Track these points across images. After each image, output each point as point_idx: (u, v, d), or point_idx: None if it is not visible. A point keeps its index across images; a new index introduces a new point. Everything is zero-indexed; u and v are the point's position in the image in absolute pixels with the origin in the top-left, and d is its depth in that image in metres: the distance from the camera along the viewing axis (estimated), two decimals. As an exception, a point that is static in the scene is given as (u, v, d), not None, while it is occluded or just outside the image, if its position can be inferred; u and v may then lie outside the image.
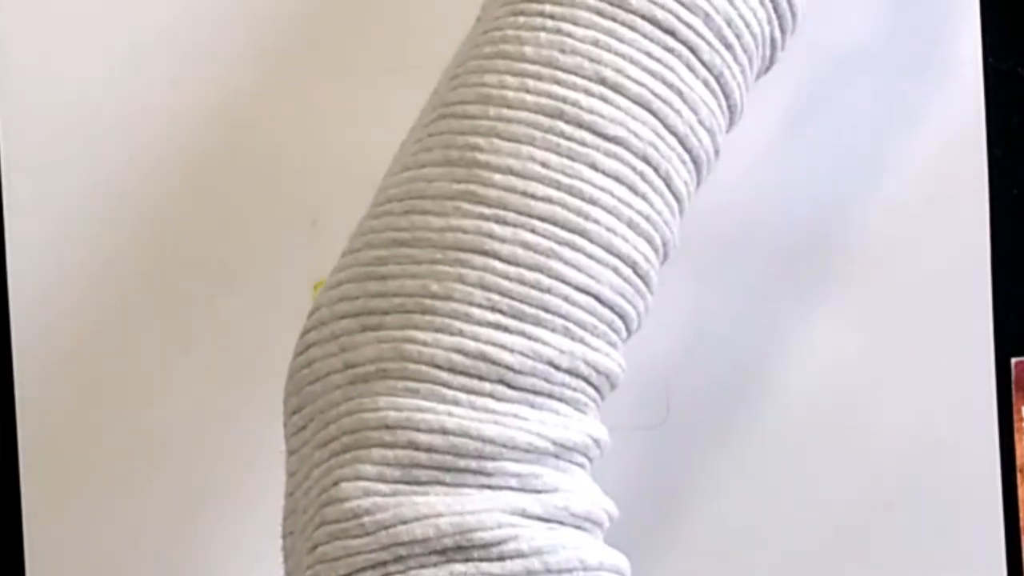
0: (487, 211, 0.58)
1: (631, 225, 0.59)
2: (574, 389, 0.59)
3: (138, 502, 0.83)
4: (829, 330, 0.83)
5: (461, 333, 0.57)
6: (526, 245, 0.58)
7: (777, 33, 0.63)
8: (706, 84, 0.60)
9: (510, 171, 0.58)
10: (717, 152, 0.62)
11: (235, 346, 0.82)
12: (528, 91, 0.58)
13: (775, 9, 0.62)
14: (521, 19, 0.60)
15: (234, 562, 0.83)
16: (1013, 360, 0.83)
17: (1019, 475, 0.84)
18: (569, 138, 0.58)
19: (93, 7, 0.81)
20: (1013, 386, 0.83)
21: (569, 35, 0.59)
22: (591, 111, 0.58)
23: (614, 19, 0.59)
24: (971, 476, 0.84)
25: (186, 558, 0.84)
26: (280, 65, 0.81)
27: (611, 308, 0.59)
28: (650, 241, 0.60)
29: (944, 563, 0.84)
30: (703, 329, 0.83)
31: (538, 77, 0.59)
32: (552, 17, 0.59)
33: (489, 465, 0.56)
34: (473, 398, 0.57)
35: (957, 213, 0.83)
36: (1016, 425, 0.83)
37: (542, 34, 0.59)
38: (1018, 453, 0.84)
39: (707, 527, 0.84)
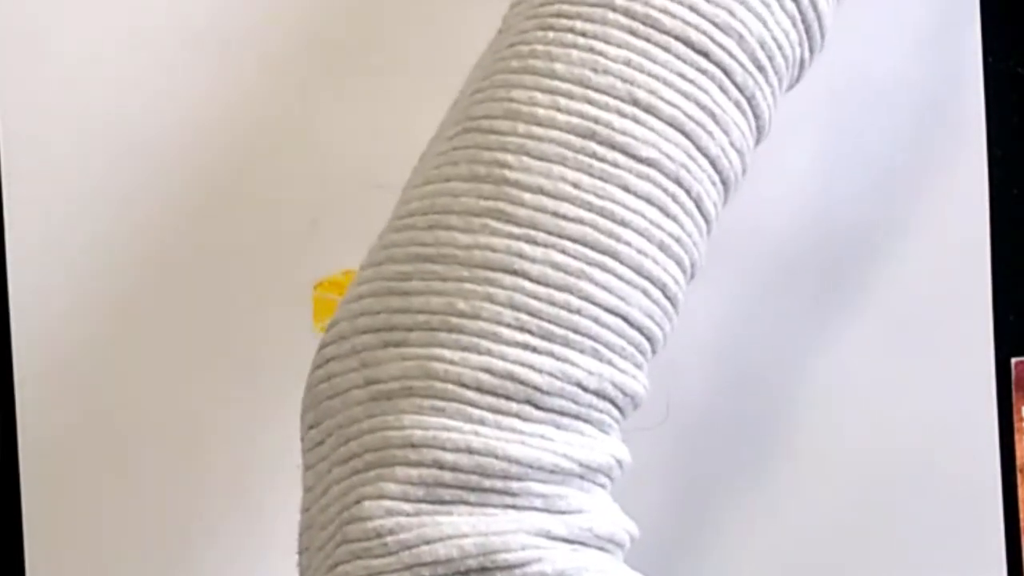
0: (516, 230, 0.57)
1: (662, 247, 0.59)
2: (600, 410, 0.58)
3: (138, 502, 0.83)
4: (829, 330, 0.83)
5: (489, 352, 0.56)
6: (556, 265, 0.57)
7: (807, 54, 0.63)
8: (738, 106, 0.60)
9: (541, 190, 0.57)
10: (745, 172, 0.62)
11: (235, 346, 0.82)
12: (559, 109, 0.58)
13: (807, 31, 0.62)
14: (551, 34, 0.59)
15: (234, 562, 0.83)
16: (1013, 360, 0.83)
17: (1019, 475, 0.84)
18: (601, 159, 0.58)
19: (94, 7, 0.81)
20: (1013, 386, 0.83)
21: (601, 54, 0.58)
22: (624, 132, 0.58)
23: (647, 39, 0.59)
24: (971, 476, 0.84)
25: (186, 558, 0.84)
26: (280, 65, 0.81)
27: (639, 330, 0.59)
28: (679, 263, 0.60)
29: (944, 563, 0.84)
30: (703, 329, 0.83)
31: (570, 96, 0.58)
32: (584, 35, 0.59)
33: (514, 485, 0.56)
34: (500, 418, 0.56)
35: (957, 213, 0.83)
36: (1016, 425, 0.83)
37: (573, 52, 0.58)
38: (1018, 453, 0.84)
39: (707, 527, 0.84)
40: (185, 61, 0.81)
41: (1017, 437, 0.84)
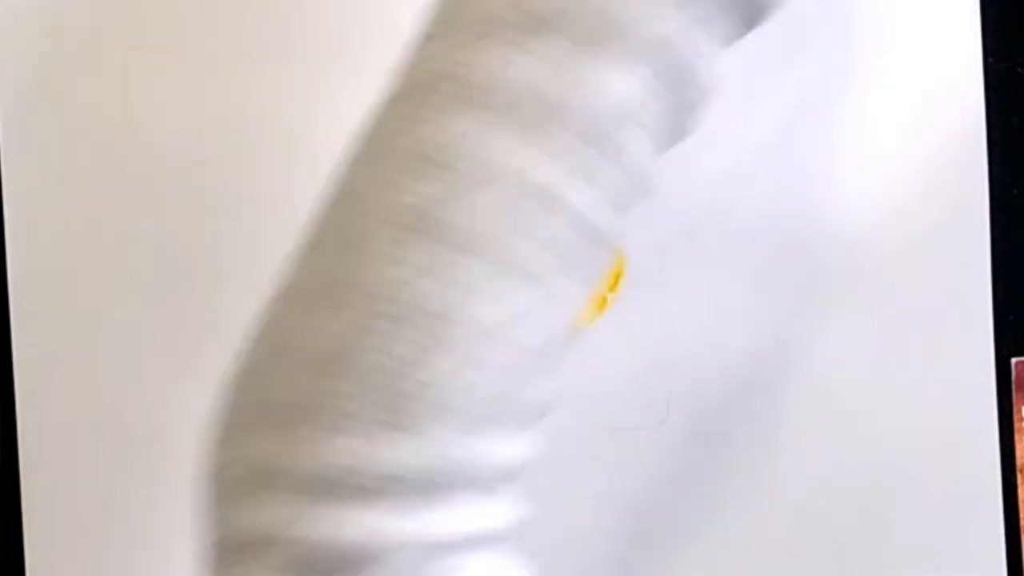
0: (368, 307, 0.54)
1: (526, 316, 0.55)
2: (469, 480, 0.54)
3: (138, 502, 0.83)
4: (829, 330, 0.83)
5: (350, 434, 0.54)
6: (409, 341, 0.54)
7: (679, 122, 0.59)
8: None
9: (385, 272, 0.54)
10: (650, 192, 0.58)
11: (235, 346, 0.82)
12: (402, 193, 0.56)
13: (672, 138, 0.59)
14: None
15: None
16: (1013, 360, 0.83)
17: (1019, 475, 0.84)
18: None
19: (94, 6, 0.81)
20: (1013, 386, 0.83)
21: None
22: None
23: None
24: (971, 476, 0.84)
25: (186, 559, 0.83)
26: (281, 64, 0.81)
27: (505, 395, 0.55)
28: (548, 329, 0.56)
29: (944, 563, 0.84)
30: (703, 329, 0.83)
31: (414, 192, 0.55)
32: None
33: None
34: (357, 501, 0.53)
35: (957, 213, 0.83)
36: (1016, 425, 0.83)
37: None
38: (1018, 453, 0.84)
39: (707, 528, 0.84)
40: (184, 61, 0.81)
41: (1017, 437, 0.84)
